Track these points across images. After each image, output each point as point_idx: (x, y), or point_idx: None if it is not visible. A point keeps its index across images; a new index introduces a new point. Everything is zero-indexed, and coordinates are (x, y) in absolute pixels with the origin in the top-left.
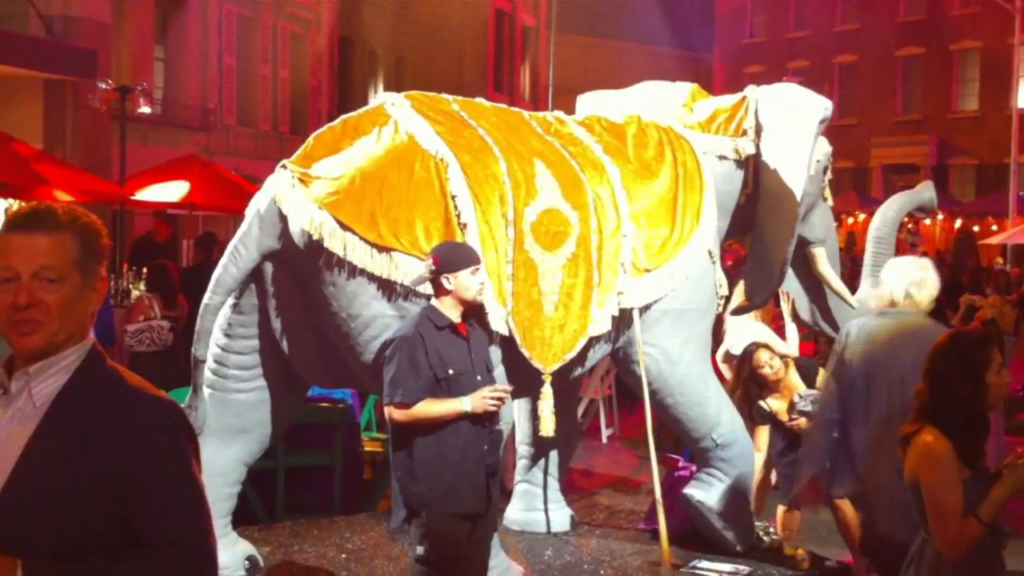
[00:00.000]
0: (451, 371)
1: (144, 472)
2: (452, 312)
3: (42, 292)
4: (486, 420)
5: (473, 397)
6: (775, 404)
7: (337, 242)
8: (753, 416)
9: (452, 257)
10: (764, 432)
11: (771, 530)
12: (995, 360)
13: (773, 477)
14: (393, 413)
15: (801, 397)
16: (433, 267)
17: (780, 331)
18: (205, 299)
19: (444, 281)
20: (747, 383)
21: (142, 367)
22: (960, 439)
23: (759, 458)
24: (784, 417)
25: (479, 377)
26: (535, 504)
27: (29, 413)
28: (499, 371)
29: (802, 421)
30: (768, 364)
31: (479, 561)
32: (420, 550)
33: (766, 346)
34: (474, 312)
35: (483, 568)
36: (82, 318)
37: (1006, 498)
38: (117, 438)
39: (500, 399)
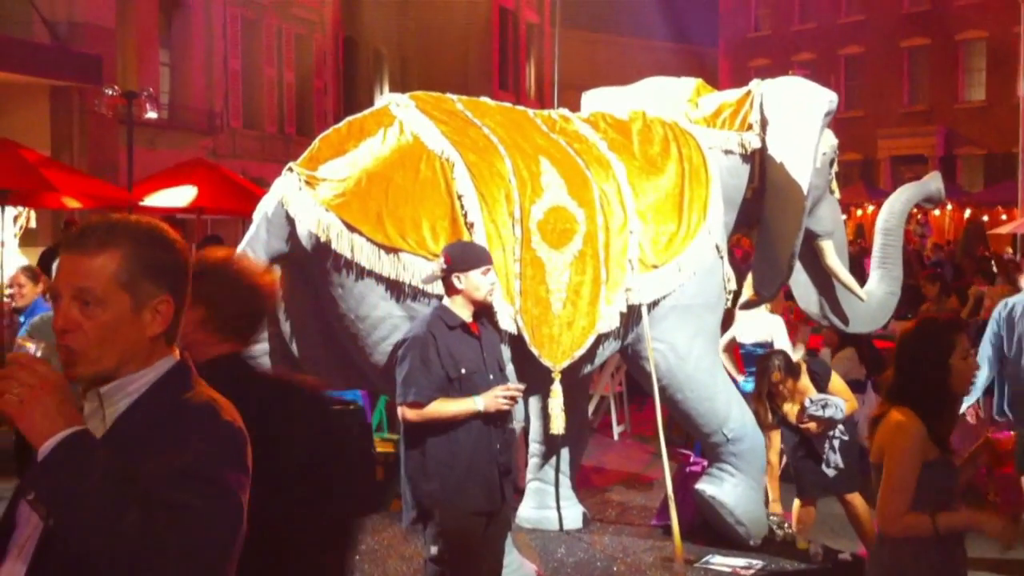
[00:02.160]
0: (463, 370)
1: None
2: (463, 311)
3: (80, 316)
4: (499, 419)
5: (486, 396)
6: (785, 407)
7: (344, 243)
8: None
9: (463, 257)
10: (776, 432)
11: (785, 524)
12: (960, 345)
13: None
14: (406, 412)
15: (812, 402)
16: (444, 266)
17: (791, 324)
18: None
19: (455, 280)
20: (768, 394)
21: None
22: (933, 420)
23: (773, 452)
24: (793, 419)
25: (491, 376)
26: (547, 502)
27: (99, 433)
28: (509, 369)
29: (812, 425)
30: (782, 382)
31: (493, 559)
32: (434, 549)
33: (784, 354)
34: (485, 311)
35: (497, 566)
36: (135, 344)
37: (969, 528)
38: (158, 461)
39: (513, 398)
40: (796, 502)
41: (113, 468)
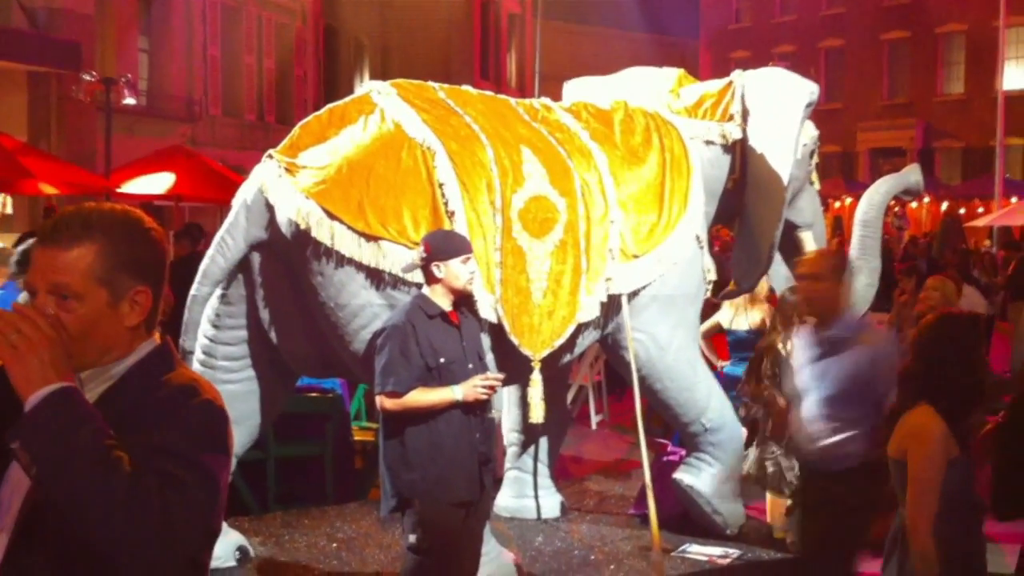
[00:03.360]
0: (442, 359)
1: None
2: (443, 300)
3: (58, 310)
4: (478, 408)
5: (464, 385)
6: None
7: (324, 231)
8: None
9: (443, 245)
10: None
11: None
12: (982, 342)
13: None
14: (385, 402)
15: None
16: (424, 255)
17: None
18: (193, 290)
19: (435, 269)
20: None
21: None
22: (954, 418)
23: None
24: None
25: (471, 365)
26: (525, 491)
27: None
28: (489, 358)
29: None
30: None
31: (472, 549)
32: (412, 539)
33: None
34: (465, 300)
35: (476, 556)
36: (114, 335)
37: None
38: (138, 439)
39: (492, 387)
40: (768, 495)
41: (102, 428)
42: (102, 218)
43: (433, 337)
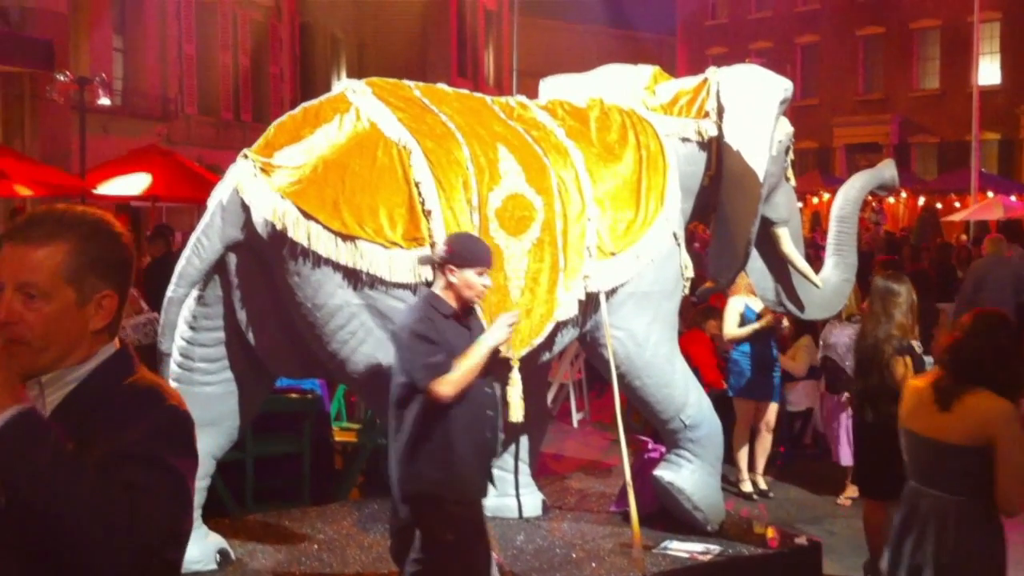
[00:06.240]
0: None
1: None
2: (453, 302)
3: (24, 309)
4: (488, 407)
5: (491, 330)
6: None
7: (301, 231)
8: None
9: (463, 252)
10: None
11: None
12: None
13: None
14: (440, 389)
15: None
16: (444, 255)
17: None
18: (169, 292)
19: (449, 273)
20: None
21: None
22: (1012, 401)
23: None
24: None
25: None
26: (506, 489)
27: None
28: None
29: None
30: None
31: (484, 544)
32: (428, 541)
33: None
34: (468, 308)
35: (488, 551)
36: (77, 337)
37: None
38: (103, 444)
39: (512, 325)
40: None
41: (63, 445)
42: (75, 219)
43: (448, 335)
